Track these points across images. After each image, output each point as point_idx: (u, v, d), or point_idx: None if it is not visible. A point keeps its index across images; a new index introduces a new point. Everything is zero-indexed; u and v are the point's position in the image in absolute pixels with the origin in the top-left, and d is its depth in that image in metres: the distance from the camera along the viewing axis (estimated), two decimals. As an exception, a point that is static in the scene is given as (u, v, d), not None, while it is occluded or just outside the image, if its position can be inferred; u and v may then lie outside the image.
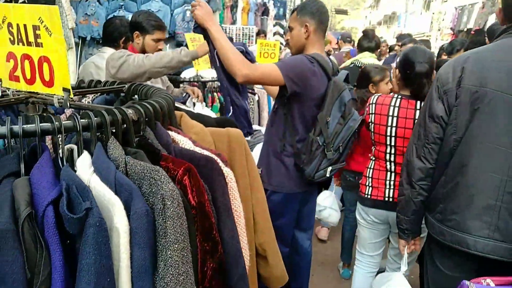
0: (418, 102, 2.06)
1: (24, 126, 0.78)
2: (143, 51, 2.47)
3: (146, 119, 0.97)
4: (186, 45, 2.78)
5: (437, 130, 1.59)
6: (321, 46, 2.14)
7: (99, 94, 1.39)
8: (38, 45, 0.95)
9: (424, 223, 1.75)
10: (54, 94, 1.00)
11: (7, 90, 1.07)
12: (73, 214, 0.68)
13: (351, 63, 4.09)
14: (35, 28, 0.92)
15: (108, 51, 2.70)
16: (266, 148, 2.24)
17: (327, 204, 2.83)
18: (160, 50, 2.50)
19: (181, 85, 3.25)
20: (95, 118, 0.85)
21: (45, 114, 1.08)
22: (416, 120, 1.99)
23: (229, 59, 1.81)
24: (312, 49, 2.09)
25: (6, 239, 0.66)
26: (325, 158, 2.05)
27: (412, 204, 1.71)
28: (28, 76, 1.00)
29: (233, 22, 7.26)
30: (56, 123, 0.80)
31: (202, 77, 3.22)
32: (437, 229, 1.62)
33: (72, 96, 0.98)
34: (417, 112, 2.04)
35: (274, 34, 9.35)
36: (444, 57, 4.17)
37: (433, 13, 17.11)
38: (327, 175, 2.10)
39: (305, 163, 2.06)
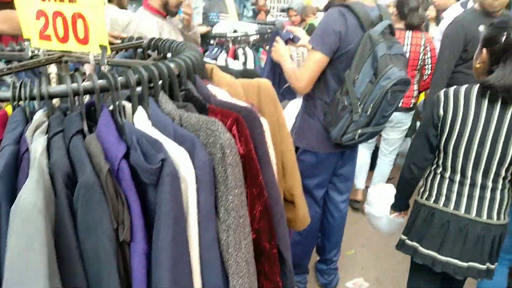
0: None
1: (84, 84, 0.79)
2: (165, 3, 2.40)
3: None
4: None
5: None
6: None
7: (115, 52, 1.37)
8: (71, 0, 0.94)
9: None
10: (89, 52, 1.00)
11: (36, 51, 1.06)
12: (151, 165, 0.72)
13: None
14: (70, -16, 0.91)
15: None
16: (301, 104, 2.15)
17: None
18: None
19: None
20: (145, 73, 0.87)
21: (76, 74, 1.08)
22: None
23: (290, 78, 2.01)
24: None
25: (94, 191, 0.69)
26: (353, 120, 1.87)
27: None
28: (61, 34, 0.99)
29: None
30: (112, 79, 0.81)
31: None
32: None
33: (109, 52, 0.99)
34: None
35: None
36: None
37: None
38: (356, 138, 1.92)
39: (331, 124, 1.93)
